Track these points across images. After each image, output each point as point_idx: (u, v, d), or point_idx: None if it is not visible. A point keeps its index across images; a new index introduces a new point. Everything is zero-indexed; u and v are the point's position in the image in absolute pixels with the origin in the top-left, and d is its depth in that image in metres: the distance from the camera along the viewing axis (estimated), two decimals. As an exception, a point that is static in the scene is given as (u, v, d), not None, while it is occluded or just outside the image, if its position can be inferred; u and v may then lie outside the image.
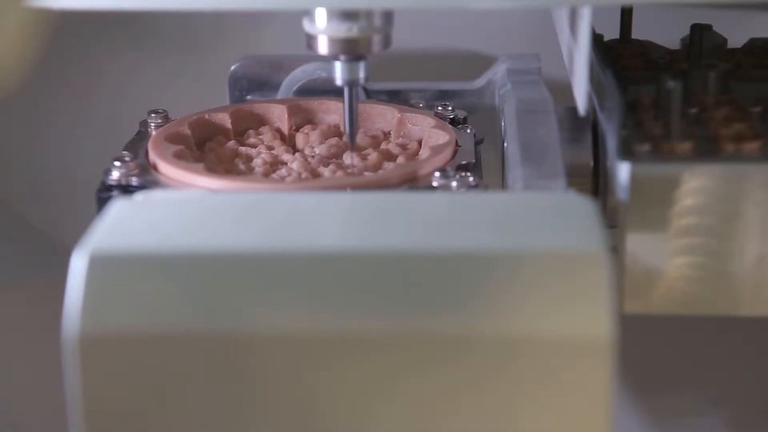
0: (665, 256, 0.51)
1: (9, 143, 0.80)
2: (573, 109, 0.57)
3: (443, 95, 0.69)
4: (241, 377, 0.45)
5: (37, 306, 0.74)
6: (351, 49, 0.56)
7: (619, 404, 0.45)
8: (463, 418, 0.45)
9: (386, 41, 0.57)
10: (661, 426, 0.80)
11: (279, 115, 0.65)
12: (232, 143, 0.63)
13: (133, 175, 0.57)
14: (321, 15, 0.55)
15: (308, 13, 0.56)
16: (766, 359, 0.81)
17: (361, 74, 0.58)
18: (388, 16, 0.56)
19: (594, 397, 0.44)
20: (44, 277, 0.69)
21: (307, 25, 0.56)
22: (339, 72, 0.58)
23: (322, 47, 0.56)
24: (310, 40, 0.57)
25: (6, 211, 0.80)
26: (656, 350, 0.79)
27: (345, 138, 0.63)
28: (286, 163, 0.60)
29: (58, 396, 0.51)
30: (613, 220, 0.54)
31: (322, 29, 0.56)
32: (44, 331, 0.59)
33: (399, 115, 0.64)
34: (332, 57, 0.57)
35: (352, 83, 0.58)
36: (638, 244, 0.51)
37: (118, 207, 0.49)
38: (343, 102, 0.59)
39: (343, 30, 0.55)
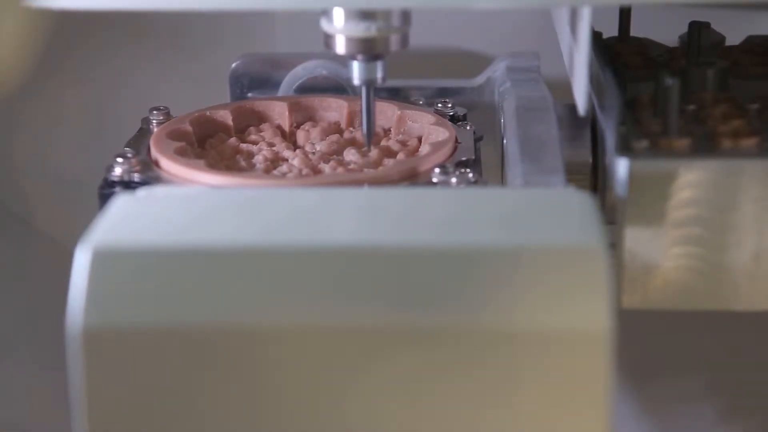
0: (663, 252, 0.52)
1: (9, 142, 0.80)
2: (572, 107, 0.57)
3: (443, 92, 0.69)
4: (243, 372, 0.45)
5: (37, 306, 0.74)
6: (369, 49, 0.56)
7: (615, 394, 0.45)
8: (463, 410, 0.45)
9: (404, 40, 0.56)
10: (656, 415, 0.80)
11: (280, 112, 0.65)
12: (233, 140, 0.63)
13: (136, 172, 0.57)
14: (339, 14, 0.55)
15: (325, 13, 0.56)
16: (760, 348, 0.81)
17: (379, 74, 0.57)
18: (405, 16, 0.56)
19: (593, 391, 0.44)
20: (44, 276, 0.70)
21: (324, 25, 0.56)
22: (356, 72, 0.57)
23: (340, 47, 0.56)
24: (328, 39, 0.56)
25: (6, 210, 0.81)
26: (651, 340, 0.79)
27: (346, 135, 0.64)
28: (287, 160, 0.61)
29: (58, 396, 0.51)
30: (611, 216, 0.54)
31: (340, 29, 0.55)
32: (44, 330, 0.59)
33: (399, 112, 0.64)
34: (349, 57, 0.57)
35: (369, 83, 0.58)
36: (636, 239, 0.52)
37: (121, 203, 0.50)
38: (356, 103, 0.59)
39: (361, 30, 0.55)
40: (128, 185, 0.57)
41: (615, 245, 0.52)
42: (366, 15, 0.55)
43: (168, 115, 0.64)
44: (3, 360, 0.76)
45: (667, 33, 0.67)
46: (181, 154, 0.59)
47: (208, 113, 0.64)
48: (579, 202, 0.49)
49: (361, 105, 0.59)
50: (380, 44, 0.56)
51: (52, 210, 0.81)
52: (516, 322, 0.44)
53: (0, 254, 0.78)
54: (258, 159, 0.60)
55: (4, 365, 0.76)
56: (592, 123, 0.62)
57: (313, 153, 0.62)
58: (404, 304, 0.44)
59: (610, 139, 0.54)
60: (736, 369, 0.81)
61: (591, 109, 0.62)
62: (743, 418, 0.79)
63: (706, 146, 0.52)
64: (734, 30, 0.66)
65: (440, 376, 0.45)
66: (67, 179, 0.80)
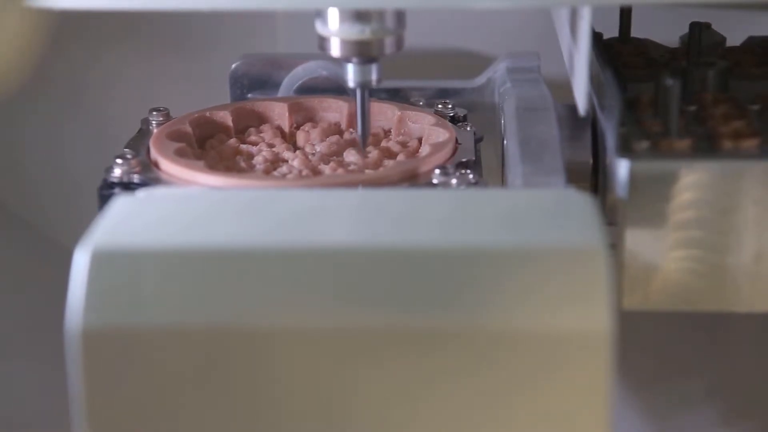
0: (664, 253, 0.52)
1: (9, 142, 0.80)
2: (572, 107, 0.57)
3: (443, 93, 0.69)
4: (242, 374, 0.45)
5: (37, 306, 0.74)
6: (363, 52, 0.56)
7: (616, 397, 0.45)
8: (462, 411, 0.45)
9: (398, 43, 0.56)
10: (658, 418, 0.80)
11: (280, 113, 0.65)
12: (233, 141, 0.63)
13: (135, 173, 0.57)
14: (333, 16, 0.55)
15: (320, 14, 0.56)
16: (761, 350, 0.81)
17: (374, 76, 0.57)
18: (400, 18, 0.56)
19: (593, 392, 0.44)
20: (44, 276, 0.70)
21: (319, 27, 0.56)
22: (351, 74, 0.57)
23: (335, 49, 0.56)
24: (322, 42, 0.56)
25: (6, 210, 0.81)
26: (652, 342, 0.79)
27: (346, 136, 0.64)
28: (286, 161, 0.60)
29: (58, 396, 0.51)
30: (612, 217, 0.54)
31: (335, 31, 0.55)
32: (44, 330, 0.59)
33: (399, 113, 0.64)
34: (344, 59, 0.57)
35: (364, 85, 0.58)
36: (637, 240, 0.52)
37: (120, 204, 0.50)
38: (356, 104, 0.59)
39: (356, 32, 0.55)
40: (128, 186, 0.57)
41: (615, 246, 0.52)
42: (360, 17, 0.55)
43: (168, 116, 0.64)
44: (3, 360, 0.76)
45: (668, 34, 0.67)
46: (180, 155, 0.59)
47: (207, 114, 0.64)
48: (579, 203, 0.48)
49: (359, 108, 0.59)
50: (375, 47, 0.56)
51: (52, 210, 0.81)
52: (516, 323, 0.44)
53: (0, 254, 0.78)
54: (258, 160, 0.60)
55: (4, 365, 0.76)
56: (592, 123, 0.62)
57: (313, 154, 0.61)
58: (403, 305, 0.44)
59: (610, 139, 0.54)
60: (737, 371, 0.81)
61: (591, 110, 0.62)
62: (744, 420, 0.79)
63: (706, 147, 0.52)
64: (735, 30, 0.66)
65: (440, 377, 0.45)
66: (67, 179, 0.80)
